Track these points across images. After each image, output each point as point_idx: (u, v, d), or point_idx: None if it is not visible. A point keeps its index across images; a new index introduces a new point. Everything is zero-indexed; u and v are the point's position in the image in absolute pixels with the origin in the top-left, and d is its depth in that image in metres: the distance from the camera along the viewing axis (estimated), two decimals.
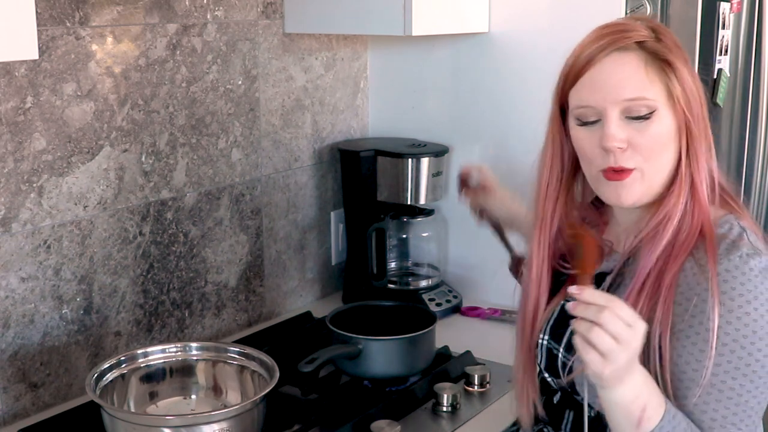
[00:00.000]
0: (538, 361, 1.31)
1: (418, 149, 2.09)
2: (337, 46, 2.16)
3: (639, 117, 1.17)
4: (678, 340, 1.16)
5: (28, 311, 1.57)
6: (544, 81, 2.03)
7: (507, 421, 1.57)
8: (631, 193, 1.20)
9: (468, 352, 1.77)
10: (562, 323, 1.27)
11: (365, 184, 2.09)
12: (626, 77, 1.17)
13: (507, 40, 2.04)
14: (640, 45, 1.18)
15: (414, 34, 1.82)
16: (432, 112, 2.19)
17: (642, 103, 1.16)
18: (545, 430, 1.34)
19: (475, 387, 1.67)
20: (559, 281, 1.31)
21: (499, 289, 2.04)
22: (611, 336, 1.05)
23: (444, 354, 1.79)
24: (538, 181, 1.31)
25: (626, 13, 1.90)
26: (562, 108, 1.26)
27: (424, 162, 2.07)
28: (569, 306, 1.09)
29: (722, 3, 2.16)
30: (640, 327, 1.07)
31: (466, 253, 2.18)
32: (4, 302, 1.53)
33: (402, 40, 2.19)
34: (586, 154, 1.22)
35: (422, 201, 2.11)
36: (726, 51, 2.23)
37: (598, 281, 1.24)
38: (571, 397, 1.29)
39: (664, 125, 1.17)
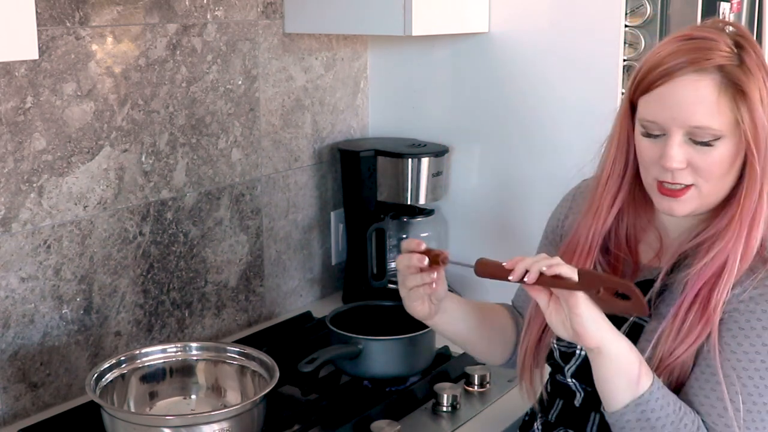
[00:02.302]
0: (567, 367, 1.31)
1: (418, 149, 2.09)
2: (337, 46, 2.16)
3: (702, 142, 1.16)
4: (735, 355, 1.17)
5: (28, 311, 1.57)
6: (544, 81, 2.05)
7: (507, 421, 1.57)
8: (685, 208, 1.21)
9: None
10: None
11: (365, 184, 2.09)
12: (697, 103, 1.15)
13: (507, 40, 2.04)
14: (720, 68, 1.15)
15: (414, 34, 1.82)
16: (432, 112, 2.19)
17: (708, 131, 1.15)
18: None
19: (475, 387, 1.67)
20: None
21: (499, 289, 2.03)
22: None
23: (444, 354, 1.79)
24: (599, 170, 1.31)
25: (626, 14, 1.90)
26: (632, 104, 1.24)
27: (424, 162, 2.07)
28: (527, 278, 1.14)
29: (722, 3, 2.16)
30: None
31: (466, 253, 2.17)
32: (4, 302, 1.53)
33: (402, 40, 2.18)
34: (645, 162, 1.22)
35: (422, 201, 2.11)
36: None
37: (644, 289, 1.24)
38: (596, 400, 1.27)
39: (727, 151, 1.16)
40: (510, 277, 1.16)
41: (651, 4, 1.92)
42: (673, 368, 1.20)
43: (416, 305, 1.31)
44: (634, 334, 1.24)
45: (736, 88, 1.14)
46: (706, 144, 1.16)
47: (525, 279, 1.14)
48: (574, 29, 1.94)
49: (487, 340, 1.43)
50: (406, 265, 1.27)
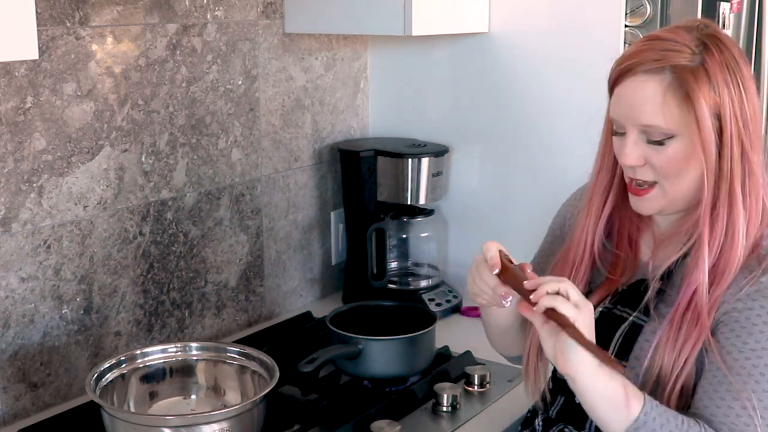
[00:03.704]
0: None
1: (418, 149, 2.09)
2: (337, 46, 2.16)
3: (654, 141, 1.18)
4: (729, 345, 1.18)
5: (28, 311, 1.57)
6: (544, 81, 2.05)
7: (507, 421, 1.57)
8: (650, 206, 1.24)
9: (468, 352, 1.77)
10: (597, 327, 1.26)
11: (365, 184, 2.09)
12: (644, 103, 1.17)
13: (507, 40, 2.04)
14: (672, 69, 1.16)
15: (414, 34, 1.82)
16: (432, 112, 2.19)
17: (657, 130, 1.17)
18: (566, 429, 1.34)
19: (475, 387, 1.67)
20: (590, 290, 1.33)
21: None
22: (573, 303, 1.12)
23: (444, 354, 1.79)
24: (592, 170, 1.33)
25: (626, 14, 1.90)
26: None
27: (424, 162, 2.07)
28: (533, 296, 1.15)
29: (722, 3, 2.16)
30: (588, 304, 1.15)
31: (466, 253, 2.18)
32: (4, 302, 1.53)
33: (402, 40, 2.19)
34: (618, 158, 1.25)
35: (422, 201, 2.11)
36: None
37: (636, 287, 1.27)
38: None
39: (681, 150, 1.18)
40: (508, 305, 1.22)
41: (651, 4, 1.93)
42: (678, 381, 1.20)
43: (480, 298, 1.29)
44: (633, 334, 1.25)
45: (684, 91, 1.15)
46: (659, 143, 1.18)
47: (533, 306, 1.15)
48: (574, 29, 1.94)
49: (518, 332, 1.42)
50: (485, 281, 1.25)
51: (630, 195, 1.26)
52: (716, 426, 1.16)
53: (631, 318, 1.26)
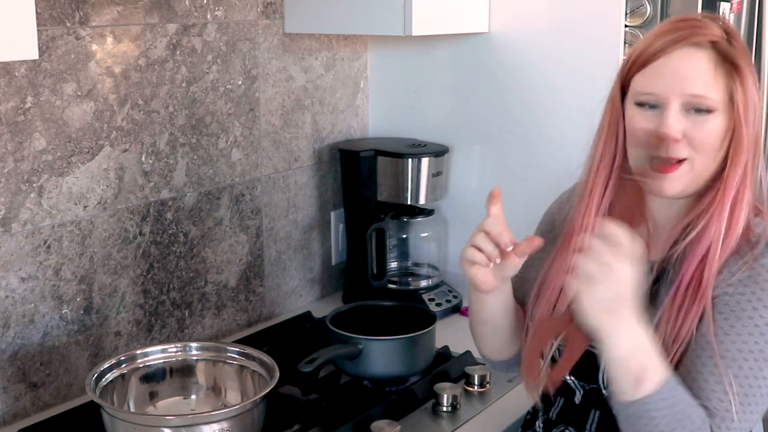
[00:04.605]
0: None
1: (418, 149, 2.09)
2: (337, 46, 2.16)
3: (699, 110, 1.20)
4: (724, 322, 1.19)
5: (28, 311, 1.57)
6: (544, 81, 2.05)
7: (507, 421, 1.57)
8: (676, 186, 1.22)
9: (468, 352, 1.77)
10: None
11: (365, 184, 2.09)
12: (696, 73, 1.19)
13: (507, 40, 2.04)
14: (714, 44, 1.20)
15: (414, 34, 1.82)
16: (432, 112, 2.19)
17: (705, 100, 1.19)
18: (566, 431, 1.34)
19: (475, 387, 1.67)
20: None
21: None
22: (599, 262, 1.08)
23: (444, 354, 1.79)
24: (589, 160, 1.32)
25: (626, 14, 1.90)
26: (622, 90, 1.27)
27: (424, 162, 2.07)
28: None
29: (722, 3, 2.16)
30: (626, 260, 1.09)
31: None
32: (4, 302, 1.53)
33: (402, 40, 2.19)
34: (636, 134, 1.24)
35: (422, 201, 2.11)
36: None
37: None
38: (595, 397, 1.29)
39: (721, 126, 1.20)
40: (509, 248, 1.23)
41: (651, 4, 1.93)
42: (676, 356, 1.20)
43: (482, 272, 1.27)
44: None
45: (731, 64, 1.20)
46: (705, 111, 1.19)
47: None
48: (574, 29, 1.94)
49: (510, 333, 1.41)
50: (498, 232, 1.25)
51: (651, 176, 1.23)
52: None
53: None
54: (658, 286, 1.26)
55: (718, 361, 1.17)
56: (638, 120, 1.24)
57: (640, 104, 1.23)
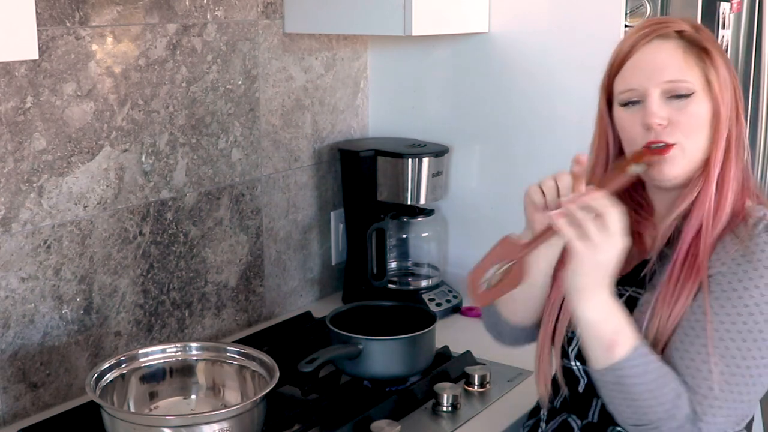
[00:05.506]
0: (571, 349, 1.34)
1: (418, 149, 2.09)
2: (337, 46, 2.16)
3: (679, 96, 1.24)
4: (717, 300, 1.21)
5: (28, 311, 1.57)
6: (544, 81, 2.05)
7: (507, 421, 1.57)
8: (673, 168, 1.25)
9: (468, 352, 1.77)
10: None
11: (365, 184, 2.09)
12: (668, 60, 1.25)
13: (507, 40, 2.04)
14: (680, 34, 1.27)
15: (414, 34, 1.82)
16: (432, 112, 2.19)
17: (681, 84, 1.24)
18: (569, 419, 1.35)
19: (475, 387, 1.67)
20: None
21: None
22: (604, 227, 1.15)
23: (444, 354, 1.79)
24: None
25: (626, 14, 1.90)
26: (609, 101, 1.33)
27: (424, 162, 2.07)
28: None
29: (722, 3, 2.16)
30: (615, 216, 1.15)
31: (466, 253, 2.18)
32: (4, 302, 1.53)
33: (402, 40, 2.19)
34: (628, 134, 1.29)
35: (422, 201, 2.11)
36: (726, 51, 2.24)
37: (641, 267, 1.30)
38: None
39: (702, 107, 1.25)
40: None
41: (651, 4, 1.93)
42: (672, 331, 1.23)
43: (539, 215, 1.32)
44: (629, 306, 1.27)
45: (699, 48, 1.26)
46: (684, 96, 1.24)
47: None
48: (574, 29, 1.94)
49: (540, 299, 1.40)
50: (565, 186, 1.29)
51: (650, 165, 1.26)
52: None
53: (628, 293, 1.29)
54: (653, 271, 1.28)
55: (706, 341, 1.18)
56: (626, 119, 1.28)
57: (625, 105, 1.28)
